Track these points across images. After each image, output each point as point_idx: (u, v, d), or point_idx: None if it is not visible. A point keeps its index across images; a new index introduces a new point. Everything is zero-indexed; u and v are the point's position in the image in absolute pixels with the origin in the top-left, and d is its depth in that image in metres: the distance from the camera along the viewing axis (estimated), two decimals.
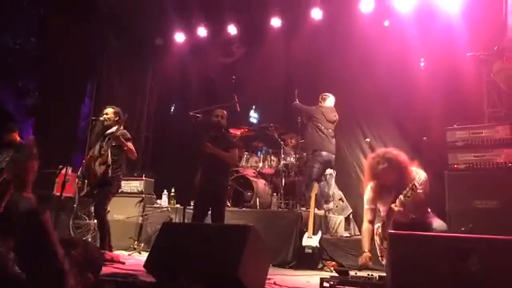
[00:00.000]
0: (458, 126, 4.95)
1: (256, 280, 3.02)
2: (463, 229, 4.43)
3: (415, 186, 3.18)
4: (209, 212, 4.63)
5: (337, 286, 3.11)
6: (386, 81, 6.54)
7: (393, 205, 3.29)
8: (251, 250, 2.91)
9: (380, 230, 3.54)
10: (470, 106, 5.55)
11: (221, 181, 4.72)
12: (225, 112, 4.90)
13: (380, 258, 3.54)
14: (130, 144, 4.74)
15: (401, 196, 3.23)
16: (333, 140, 6.18)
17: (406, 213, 3.29)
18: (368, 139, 6.50)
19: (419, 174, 3.45)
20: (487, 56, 4.55)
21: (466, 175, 4.73)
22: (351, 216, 6.38)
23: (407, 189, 3.21)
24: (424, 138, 5.64)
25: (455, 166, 4.84)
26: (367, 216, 3.65)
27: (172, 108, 8.80)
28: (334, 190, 6.48)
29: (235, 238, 2.97)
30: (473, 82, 5.44)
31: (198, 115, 4.79)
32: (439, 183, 5.14)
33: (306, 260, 4.95)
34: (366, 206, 3.68)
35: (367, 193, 3.65)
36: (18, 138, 5.72)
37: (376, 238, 3.53)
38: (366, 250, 3.52)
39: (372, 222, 3.62)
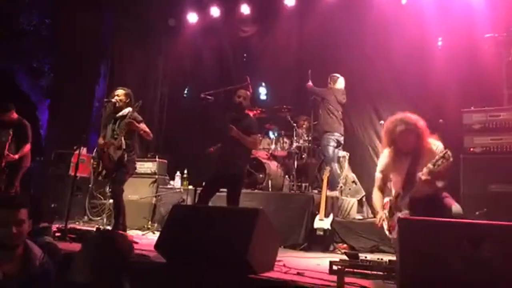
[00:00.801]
0: (475, 109, 4.82)
1: (265, 262, 3.04)
2: (477, 213, 4.37)
3: (448, 155, 3.00)
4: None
5: (347, 270, 3.11)
6: (401, 62, 6.39)
7: (420, 174, 3.10)
8: (260, 233, 2.92)
9: (389, 203, 3.42)
10: (489, 88, 5.38)
11: (240, 164, 4.59)
12: (248, 93, 4.78)
13: (387, 232, 3.43)
14: (144, 126, 4.74)
15: (430, 165, 3.05)
16: (342, 122, 6.16)
17: (433, 182, 3.12)
18: (382, 122, 6.39)
19: (437, 145, 3.31)
20: (506, 37, 4.38)
21: (482, 158, 4.62)
22: (364, 199, 6.35)
23: (437, 157, 3.03)
24: (441, 120, 5.51)
25: (471, 149, 4.74)
26: (377, 183, 3.54)
27: (186, 90, 8.77)
28: (348, 173, 6.44)
29: (244, 221, 2.98)
30: (492, 63, 5.26)
31: (209, 97, 4.73)
32: (454, 166, 5.07)
33: (317, 243, 4.95)
34: (378, 174, 3.55)
35: (382, 159, 3.53)
36: (15, 116, 5.68)
37: (385, 212, 3.42)
38: (380, 211, 3.42)
39: (382, 191, 3.53)
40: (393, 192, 3.46)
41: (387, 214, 3.37)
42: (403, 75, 6.44)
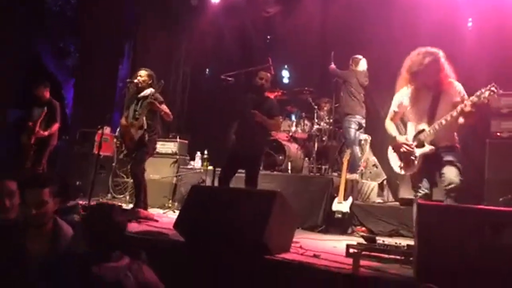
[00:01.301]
0: (503, 92, 4.64)
1: (281, 244, 3.07)
2: (501, 199, 4.28)
3: (496, 87, 3.04)
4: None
5: (363, 253, 3.10)
6: (429, 42, 6.14)
7: (462, 105, 3.10)
8: (277, 216, 2.94)
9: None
10: None
11: (259, 146, 4.61)
12: (269, 75, 4.75)
13: (398, 169, 3.45)
14: (164, 107, 4.79)
15: (473, 97, 3.08)
16: (364, 105, 6.07)
17: (477, 115, 3.13)
18: None
19: (458, 84, 3.32)
20: None
21: (509, 143, 4.50)
22: (385, 182, 6.28)
23: (483, 90, 3.05)
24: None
25: (498, 134, 4.62)
26: (391, 115, 3.54)
27: (207, 70, 8.78)
28: (369, 156, 6.37)
29: (262, 203, 3.00)
30: None
31: (229, 78, 4.71)
32: (480, 151, 4.94)
33: (335, 225, 4.94)
34: (392, 111, 3.54)
35: (400, 97, 3.48)
36: (48, 95, 5.94)
37: (409, 142, 3.37)
38: (397, 135, 3.43)
39: (395, 122, 3.55)
40: (411, 129, 3.42)
41: (412, 145, 3.31)
42: None
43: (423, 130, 3.31)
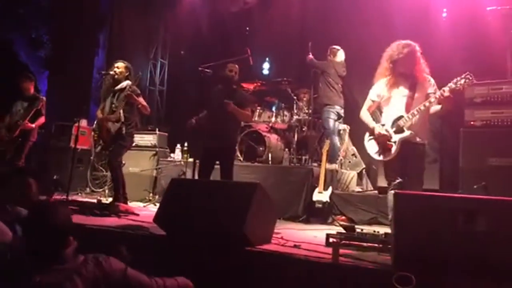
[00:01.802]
0: (477, 82, 4.75)
1: (262, 235, 3.09)
2: (475, 186, 4.40)
3: (471, 75, 3.28)
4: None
5: (343, 242, 3.16)
6: (405, 32, 6.23)
7: (441, 91, 3.31)
8: (257, 207, 2.96)
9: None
10: (493, 60, 5.30)
11: (230, 137, 4.63)
12: (237, 66, 4.76)
13: (376, 155, 3.59)
14: (142, 100, 4.73)
15: (451, 84, 3.29)
16: (342, 95, 6.12)
17: (453, 101, 3.34)
18: None
19: (430, 78, 3.53)
20: (510, 10, 4.27)
21: (482, 132, 4.60)
22: (364, 172, 6.38)
23: (458, 78, 3.28)
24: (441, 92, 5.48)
25: (471, 123, 4.71)
26: (367, 106, 3.71)
27: (184, 60, 8.68)
28: (348, 146, 6.45)
29: (242, 195, 3.01)
30: (496, 35, 5.16)
31: (207, 70, 4.68)
32: (454, 140, 5.06)
33: (316, 215, 5.01)
34: (370, 101, 3.69)
35: (378, 88, 3.64)
36: (33, 91, 5.82)
37: (386, 128, 3.52)
38: (374, 125, 3.58)
39: (370, 112, 3.71)
40: (387, 116, 3.56)
41: (389, 130, 3.47)
42: None
43: (401, 117, 3.45)
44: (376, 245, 3.06)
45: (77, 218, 3.65)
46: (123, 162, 5.08)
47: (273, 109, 6.65)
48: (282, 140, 6.49)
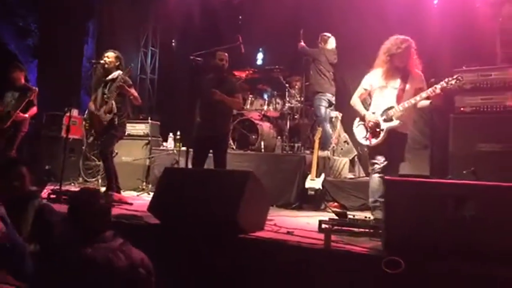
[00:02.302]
0: (466, 68, 4.80)
1: (255, 222, 3.13)
2: (465, 172, 4.46)
3: (461, 77, 3.54)
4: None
5: (335, 228, 3.21)
6: (396, 19, 6.25)
7: (433, 88, 3.54)
8: (249, 195, 2.99)
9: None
10: (483, 47, 5.34)
11: (222, 126, 4.64)
12: (226, 55, 4.75)
13: (363, 140, 3.83)
14: (133, 91, 4.71)
15: (443, 82, 3.53)
16: (333, 83, 6.12)
17: (443, 98, 3.60)
18: None
19: (421, 73, 3.75)
20: None
21: (472, 118, 4.65)
22: (356, 158, 6.43)
23: (450, 78, 3.52)
24: (432, 80, 5.50)
25: (461, 109, 4.76)
26: (358, 93, 3.93)
27: (175, 48, 8.62)
28: (340, 133, 6.48)
29: (235, 183, 3.04)
30: (486, 22, 5.19)
31: (198, 58, 4.65)
32: (444, 126, 5.12)
33: (309, 202, 5.07)
34: (362, 89, 3.90)
35: (372, 77, 3.85)
36: (23, 81, 5.74)
37: (376, 115, 3.73)
38: (365, 112, 3.80)
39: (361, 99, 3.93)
40: (377, 104, 3.78)
41: (379, 118, 3.69)
42: (397, 33, 6.33)
43: (392, 107, 3.68)
44: (367, 230, 3.11)
45: None
46: (116, 151, 5.07)
47: (265, 97, 6.65)
48: (274, 128, 6.51)
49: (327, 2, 6.87)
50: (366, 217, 3.35)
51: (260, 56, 7.68)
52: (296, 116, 6.58)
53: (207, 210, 3.01)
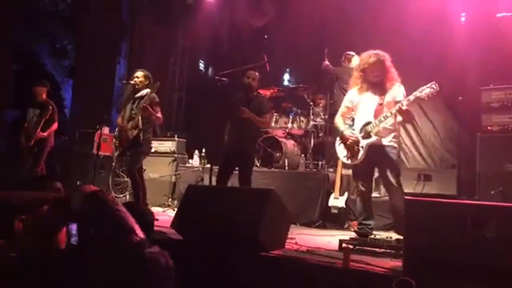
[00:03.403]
0: (494, 86, 4.74)
1: (276, 240, 3.16)
2: (492, 192, 4.37)
3: (436, 85, 3.43)
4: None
5: (357, 247, 3.20)
6: (420, 37, 6.26)
7: (399, 104, 3.47)
8: (271, 213, 3.04)
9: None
10: (511, 65, 5.25)
11: (249, 143, 4.74)
12: (257, 74, 4.86)
13: (344, 159, 3.88)
14: (157, 110, 4.86)
15: (416, 93, 3.47)
16: None
17: (411, 114, 3.65)
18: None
19: (401, 86, 3.70)
20: None
21: (500, 137, 4.59)
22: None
23: (424, 87, 3.45)
24: (460, 98, 5.44)
25: (489, 127, 4.70)
26: (343, 111, 3.97)
27: (202, 68, 8.85)
28: None
29: (256, 201, 3.09)
30: None
31: (223, 78, 4.79)
32: (471, 145, 5.03)
33: (332, 220, 5.05)
34: (344, 108, 3.96)
35: (350, 96, 3.90)
36: (45, 96, 5.99)
37: (356, 134, 3.75)
38: (344, 128, 3.85)
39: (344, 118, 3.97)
40: (358, 123, 3.79)
41: (358, 136, 3.70)
42: (422, 51, 6.31)
43: (369, 122, 3.66)
44: (388, 250, 3.09)
45: None
46: (143, 168, 5.23)
47: (290, 115, 6.71)
48: (298, 145, 6.54)
49: (352, 21, 6.93)
50: (387, 237, 3.32)
51: (286, 77, 7.80)
52: (320, 134, 6.59)
53: (228, 227, 3.07)
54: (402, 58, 6.45)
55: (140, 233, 1.61)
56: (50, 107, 5.82)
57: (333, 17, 7.22)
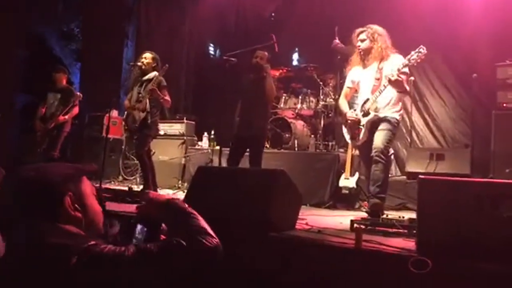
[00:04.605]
0: (510, 62, 4.60)
1: (287, 221, 3.13)
2: (507, 170, 4.29)
3: (423, 48, 3.29)
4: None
5: (369, 228, 3.16)
6: (433, 13, 6.08)
7: (389, 75, 3.37)
8: (281, 193, 3.01)
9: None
10: None
11: (260, 125, 4.70)
12: (266, 53, 4.78)
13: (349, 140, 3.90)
14: (165, 93, 4.82)
15: (405, 61, 3.37)
16: None
17: (403, 83, 3.45)
18: (412, 78, 6.20)
19: (396, 55, 3.61)
20: None
21: None
22: (392, 157, 6.28)
23: (412, 53, 3.33)
24: (474, 75, 5.29)
25: (504, 104, 4.59)
26: (345, 92, 3.93)
27: (212, 49, 8.76)
28: None
29: (266, 182, 3.06)
30: None
31: (232, 59, 4.72)
32: (487, 122, 4.92)
33: (342, 201, 5.02)
34: (346, 88, 3.93)
35: (351, 74, 3.89)
36: (65, 82, 6.04)
37: (356, 113, 3.72)
38: (347, 110, 3.80)
39: (347, 99, 3.95)
40: (360, 101, 3.77)
41: (359, 115, 3.67)
42: (434, 27, 6.13)
43: (367, 100, 3.61)
44: (401, 230, 3.05)
45: (111, 205, 3.81)
46: (153, 150, 5.23)
47: (299, 95, 6.63)
48: (308, 126, 6.47)
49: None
50: (400, 216, 3.27)
51: (295, 56, 7.68)
52: (330, 115, 6.51)
53: (238, 208, 3.04)
54: (414, 35, 6.37)
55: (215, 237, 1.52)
56: (77, 95, 5.88)
57: None
